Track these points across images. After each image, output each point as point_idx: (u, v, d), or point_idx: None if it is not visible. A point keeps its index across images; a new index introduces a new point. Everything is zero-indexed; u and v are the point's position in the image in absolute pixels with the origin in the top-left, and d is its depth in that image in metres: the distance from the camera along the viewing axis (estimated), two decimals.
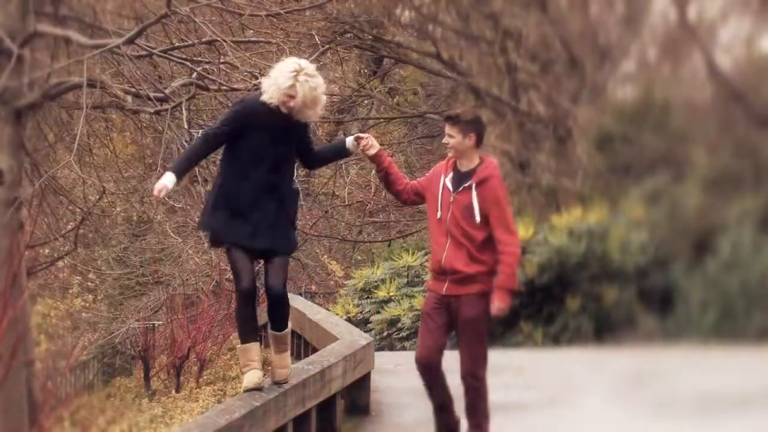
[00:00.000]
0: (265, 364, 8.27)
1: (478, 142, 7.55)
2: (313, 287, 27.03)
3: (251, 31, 14.64)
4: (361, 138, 7.65)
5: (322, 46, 17.34)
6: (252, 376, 7.37)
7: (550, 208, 15.18)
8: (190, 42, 12.93)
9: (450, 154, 7.64)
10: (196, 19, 12.48)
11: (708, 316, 12.03)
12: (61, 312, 23.10)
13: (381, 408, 10.42)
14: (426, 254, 17.69)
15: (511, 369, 12.29)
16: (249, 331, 7.47)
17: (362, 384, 10.32)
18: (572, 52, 15.40)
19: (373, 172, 8.42)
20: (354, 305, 18.41)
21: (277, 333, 7.60)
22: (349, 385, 9.93)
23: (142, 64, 13.28)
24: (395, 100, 25.65)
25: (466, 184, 7.51)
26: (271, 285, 7.37)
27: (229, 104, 14.38)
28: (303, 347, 17.88)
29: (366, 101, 25.47)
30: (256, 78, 13.34)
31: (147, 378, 22.64)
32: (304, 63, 7.36)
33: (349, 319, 17.04)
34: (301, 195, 7.99)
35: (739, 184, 12.12)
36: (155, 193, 7.13)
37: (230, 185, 7.30)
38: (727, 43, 13.32)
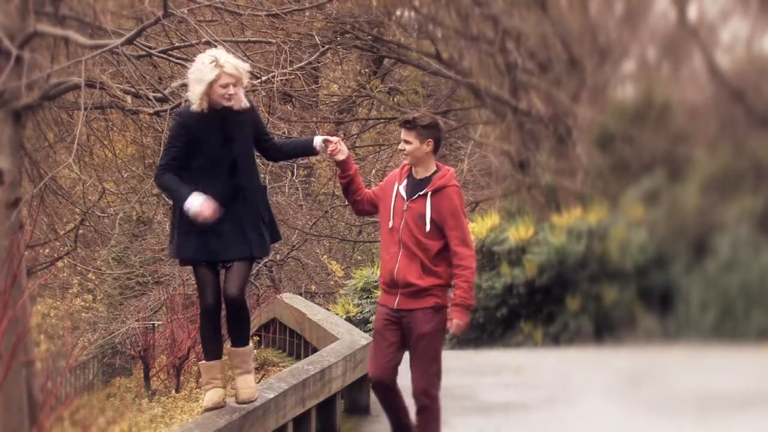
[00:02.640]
0: (267, 364, 8.22)
1: (436, 149, 7.24)
2: (313, 287, 27.04)
3: (251, 31, 14.63)
4: (330, 141, 7.21)
5: (322, 46, 17.33)
6: (213, 395, 7.05)
7: (549, 207, 15.18)
8: (190, 42, 12.92)
9: (405, 161, 7.29)
10: (192, 22, 12.46)
11: (708, 316, 12.03)
12: (61, 312, 23.10)
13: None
14: None
15: (511, 369, 12.31)
16: (212, 349, 7.16)
17: (362, 384, 10.32)
18: (572, 52, 15.40)
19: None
20: (354, 305, 18.41)
21: (238, 349, 7.19)
22: (349, 385, 9.93)
23: (142, 64, 13.28)
24: (395, 100, 25.66)
25: (421, 192, 7.17)
26: (227, 291, 7.00)
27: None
28: (303, 347, 17.89)
29: (366, 101, 25.49)
30: (257, 78, 13.35)
31: (147, 378, 22.62)
32: (215, 51, 6.95)
33: (349, 319, 17.05)
34: (267, 191, 7.45)
35: (738, 184, 12.11)
36: (207, 214, 6.77)
37: None
38: (727, 43, 13.33)
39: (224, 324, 7.26)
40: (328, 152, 7.20)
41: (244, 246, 6.97)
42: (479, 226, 15.59)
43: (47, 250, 18.05)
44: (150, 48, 12.77)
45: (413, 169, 7.27)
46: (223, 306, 7.18)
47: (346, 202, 7.78)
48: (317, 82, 23.86)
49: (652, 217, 12.95)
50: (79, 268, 21.33)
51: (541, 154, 15.88)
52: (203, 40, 12.27)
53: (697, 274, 12.20)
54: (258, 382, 7.75)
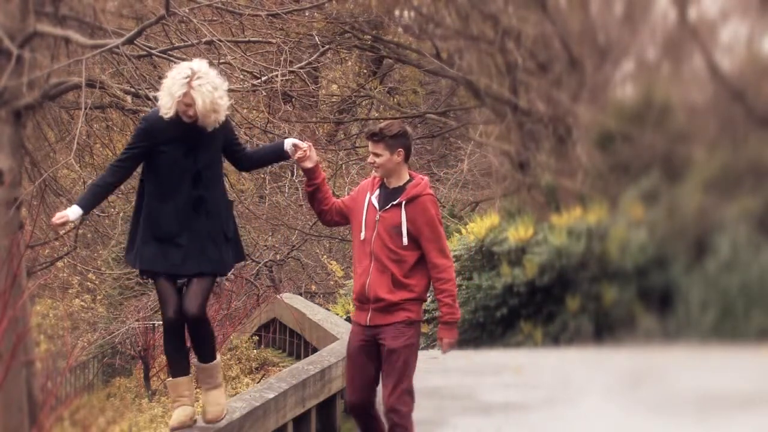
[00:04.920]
0: (267, 364, 8.19)
1: (407, 157, 6.92)
2: (313, 287, 27.05)
3: (251, 31, 14.64)
4: (299, 147, 6.92)
5: (322, 46, 17.34)
6: (180, 413, 6.79)
7: (549, 207, 15.18)
8: (190, 42, 12.93)
9: (377, 174, 6.96)
10: (194, 20, 12.47)
11: (708, 316, 12.02)
12: (61, 312, 23.11)
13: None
14: None
15: (511, 369, 12.31)
16: (178, 365, 6.88)
17: None
18: (572, 51, 15.39)
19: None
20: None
21: (203, 365, 6.90)
22: None
23: (142, 64, 13.28)
24: (395, 100, 25.67)
25: (394, 202, 6.85)
26: (186, 308, 6.70)
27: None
28: (303, 347, 17.90)
29: (366, 101, 25.49)
30: (256, 78, 13.36)
31: (147, 378, 22.62)
32: (197, 65, 6.64)
33: (349, 319, 17.05)
34: (233, 205, 7.09)
35: (739, 184, 12.11)
36: (54, 220, 6.61)
37: (153, 209, 6.72)
38: (727, 43, 13.32)
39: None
40: (296, 158, 6.92)
41: (200, 261, 6.70)
42: (479, 226, 15.59)
43: (47, 250, 18.05)
44: (150, 48, 12.78)
45: (386, 179, 6.96)
46: None
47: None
48: (317, 82, 23.87)
49: (652, 217, 12.94)
50: (79, 268, 21.33)
51: (541, 154, 15.88)
52: (203, 40, 12.28)
53: (697, 274, 12.20)
54: (258, 382, 7.74)
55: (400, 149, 6.88)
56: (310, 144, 6.99)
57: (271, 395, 7.66)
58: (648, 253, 13.03)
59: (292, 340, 20.45)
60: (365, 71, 25.77)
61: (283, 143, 7.02)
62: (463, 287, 14.95)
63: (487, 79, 17.05)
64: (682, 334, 12.24)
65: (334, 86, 25.76)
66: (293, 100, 18.89)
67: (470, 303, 14.80)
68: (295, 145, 6.94)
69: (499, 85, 16.85)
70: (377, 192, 6.96)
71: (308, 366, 9.06)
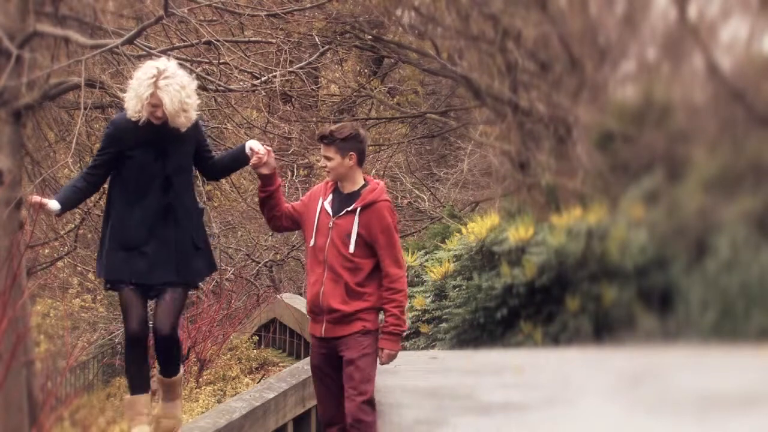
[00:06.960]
0: (267, 364, 8.18)
1: (360, 161, 6.70)
2: None
3: (251, 31, 14.64)
4: (255, 153, 6.59)
5: (322, 46, 17.34)
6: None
7: (549, 207, 15.18)
8: (190, 42, 12.93)
9: (330, 178, 6.78)
10: (193, 21, 12.47)
11: (708, 316, 12.02)
12: (61, 312, 23.11)
13: (381, 408, 10.38)
14: (426, 254, 17.71)
15: (511, 369, 12.32)
16: (138, 381, 6.63)
17: None
18: (572, 51, 15.39)
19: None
20: None
21: (166, 379, 6.71)
22: None
23: (142, 64, 13.29)
24: (395, 100, 25.67)
25: (349, 208, 6.68)
26: (157, 325, 6.48)
27: (228, 105, 14.38)
28: (303, 347, 17.90)
29: (366, 101, 25.49)
30: (256, 78, 13.36)
31: (147, 378, 22.60)
32: (164, 64, 6.49)
33: None
34: (206, 213, 6.91)
35: (738, 184, 12.11)
36: (31, 198, 6.49)
37: (120, 216, 6.53)
38: (727, 43, 13.31)
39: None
40: (251, 165, 6.64)
41: (168, 270, 6.50)
42: (479, 226, 15.60)
43: (47, 250, 18.05)
44: (150, 48, 12.77)
45: (339, 183, 6.77)
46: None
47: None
48: (317, 82, 23.87)
49: (652, 217, 12.94)
50: (79, 268, 21.33)
51: (541, 154, 15.88)
52: (203, 40, 12.29)
53: (697, 274, 12.20)
54: (258, 382, 7.75)
55: (351, 153, 6.70)
56: (269, 149, 6.68)
57: (271, 395, 7.67)
58: (648, 253, 13.02)
59: (292, 340, 20.46)
60: (366, 71, 25.76)
61: (244, 147, 6.73)
62: (463, 287, 14.96)
63: (488, 79, 17.06)
64: (682, 334, 12.24)
65: (334, 86, 25.75)
66: (293, 100, 18.90)
67: (470, 303, 14.80)
68: (252, 150, 6.64)
69: (499, 84, 16.85)
70: (330, 197, 6.78)
71: (308, 366, 9.05)
